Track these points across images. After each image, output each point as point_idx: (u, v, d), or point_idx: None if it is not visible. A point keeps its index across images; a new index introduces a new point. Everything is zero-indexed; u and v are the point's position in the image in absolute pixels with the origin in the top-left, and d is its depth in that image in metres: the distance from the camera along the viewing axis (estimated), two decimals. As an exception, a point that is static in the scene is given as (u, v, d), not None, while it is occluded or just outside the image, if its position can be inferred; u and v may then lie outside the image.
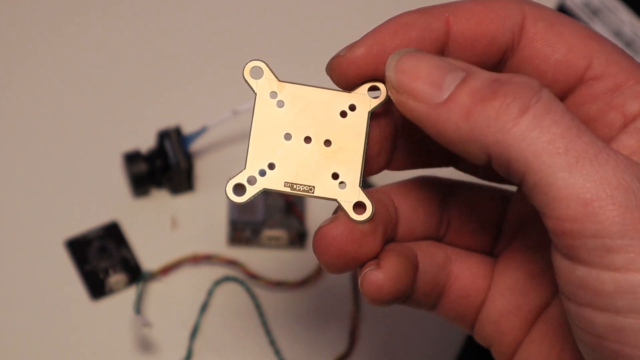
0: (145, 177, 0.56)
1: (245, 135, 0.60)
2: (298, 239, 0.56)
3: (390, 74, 0.32)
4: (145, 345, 0.53)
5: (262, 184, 0.35)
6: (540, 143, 0.29)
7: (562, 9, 0.61)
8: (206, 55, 0.64)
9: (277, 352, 0.53)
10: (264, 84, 0.35)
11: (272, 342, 0.53)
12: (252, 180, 0.35)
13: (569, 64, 0.33)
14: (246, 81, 0.36)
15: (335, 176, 0.35)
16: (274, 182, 0.35)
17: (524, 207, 0.37)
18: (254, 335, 0.54)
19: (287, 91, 0.35)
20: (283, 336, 0.54)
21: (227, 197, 0.35)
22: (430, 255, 0.37)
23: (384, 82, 0.34)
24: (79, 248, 0.56)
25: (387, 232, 0.35)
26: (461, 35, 0.34)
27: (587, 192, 0.28)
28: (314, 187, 0.35)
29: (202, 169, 0.59)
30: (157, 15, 0.66)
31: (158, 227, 0.57)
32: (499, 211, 0.38)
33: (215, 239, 0.56)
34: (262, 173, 0.35)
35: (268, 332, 0.53)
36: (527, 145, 0.29)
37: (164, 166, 0.56)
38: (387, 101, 0.35)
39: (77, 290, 0.55)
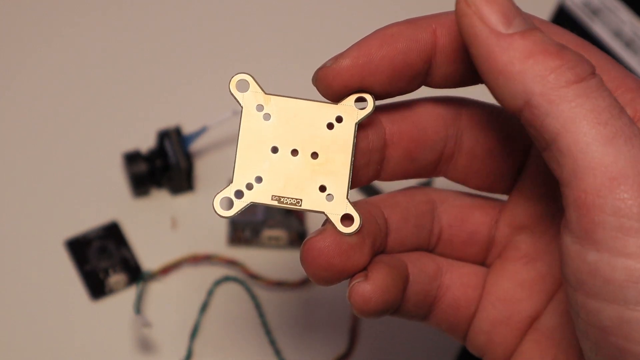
0: (145, 177, 0.56)
1: (245, 135, 0.60)
2: (298, 238, 0.56)
3: None
4: (145, 345, 0.53)
5: (249, 197, 0.35)
6: (583, 109, 0.29)
7: (562, 10, 0.61)
8: (206, 56, 0.64)
9: (277, 352, 0.53)
10: (250, 97, 0.35)
11: (272, 342, 0.53)
12: (239, 194, 0.35)
13: None
14: (232, 94, 0.35)
15: (322, 188, 0.35)
16: (262, 195, 0.35)
17: (516, 218, 0.37)
18: (254, 335, 0.54)
19: (274, 104, 0.35)
20: (283, 336, 0.54)
21: (215, 212, 0.34)
22: (420, 266, 0.37)
23: (370, 93, 0.34)
24: (79, 248, 0.56)
25: (375, 244, 0.35)
26: (448, 46, 0.33)
27: (617, 167, 0.28)
28: (301, 200, 0.35)
29: (202, 169, 0.59)
30: (157, 16, 0.66)
31: (158, 227, 0.57)
32: (490, 221, 0.38)
33: (215, 239, 0.56)
34: (250, 187, 0.35)
35: (268, 332, 0.53)
36: (571, 107, 0.29)
37: (164, 166, 0.56)
38: (374, 112, 0.35)
39: (77, 290, 0.55)
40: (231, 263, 0.55)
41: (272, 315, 0.54)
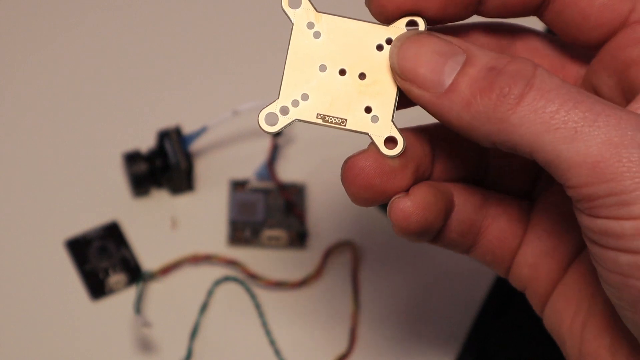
0: (145, 177, 0.56)
1: (246, 136, 0.60)
2: (298, 238, 0.56)
3: (393, 61, 0.33)
4: (145, 345, 0.53)
5: (294, 114, 0.34)
6: (538, 125, 0.30)
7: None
8: (206, 56, 0.64)
9: (277, 352, 0.53)
10: (302, 14, 0.35)
11: (272, 342, 0.53)
12: (284, 110, 0.34)
13: (613, 7, 0.34)
14: (284, 10, 0.35)
15: (368, 110, 0.34)
16: (307, 113, 0.34)
17: None
18: (254, 335, 0.54)
19: (325, 22, 0.35)
20: (283, 336, 0.54)
21: (260, 127, 0.34)
22: (466, 196, 0.37)
23: (422, 16, 0.34)
24: (79, 248, 0.56)
25: (419, 170, 0.35)
26: None
27: (592, 156, 0.30)
28: (346, 120, 0.35)
29: (202, 169, 0.59)
30: (157, 16, 0.66)
31: (158, 227, 0.57)
32: None
33: (215, 239, 0.56)
34: (295, 104, 0.34)
35: (268, 332, 0.53)
36: (526, 130, 0.30)
37: (164, 166, 0.56)
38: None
39: (77, 290, 0.55)
40: (231, 263, 0.55)
41: (272, 315, 0.54)
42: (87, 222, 0.57)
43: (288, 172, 0.59)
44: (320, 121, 0.35)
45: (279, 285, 0.55)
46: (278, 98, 0.34)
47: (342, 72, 0.35)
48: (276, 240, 0.56)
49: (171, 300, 0.54)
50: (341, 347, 0.53)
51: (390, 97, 0.35)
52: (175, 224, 0.57)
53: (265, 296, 0.55)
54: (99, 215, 0.57)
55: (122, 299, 0.54)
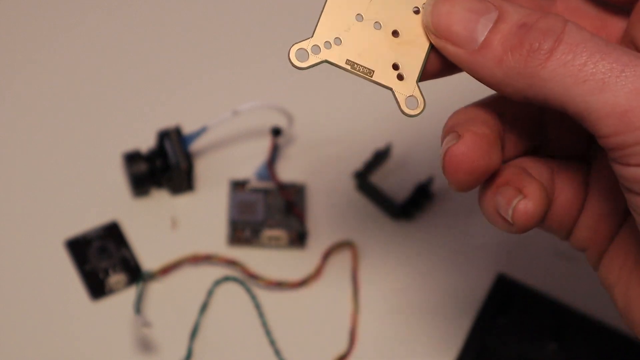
0: (145, 177, 0.56)
1: (246, 136, 0.60)
2: (298, 238, 0.56)
3: (427, 19, 0.34)
4: (145, 345, 0.53)
5: (325, 55, 0.35)
6: (567, 78, 0.31)
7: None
8: (206, 56, 0.64)
9: (277, 352, 0.53)
10: None
11: (272, 342, 0.53)
12: (316, 50, 0.35)
13: None
14: None
15: (395, 67, 0.35)
16: (337, 56, 0.35)
17: None
18: (254, 335, 0.54)
19: None
20: (283, 336, 0.54)
21: (290, 60, 0.35)
22: (539, 172, 0.38)
23: None
24: (79, 248, 0.56)
25: (502, 142, 0.37)
26: None
27: (620, 105, 0.31)
28: (373, 71, 0.35)
29: (202, 169, 0.59)
30: (157, 16, 0.66)
31: (158, 227, 0.57)
32: None
33: (215, 239, 0.56)
34: (328, 45, 0.35)
35: (268, 332, 0.53)
36: (556, 84, 0.31)
37: (164, 166, 0.56)
38: None
39: (77, 290, 0.55)
40: (231, 263, 0.55)
41: (272, 315, 0.54)
42: (87, 222, 0.57)
43: (288, 172, 0.59)
44: (348, 67, 0.35)
45: (279, 285, 0.55)
46: (312, 36, 0.35)
47: (377, 25, 0.35)
48: (276, 240, 0.56)
49: (171, 300, 0.54)
50: (341, 347, 0.53)
51: (419, 59, 0.35)
52: (175, 224, 0.57)
53: (265, 296, 0.55)
54: (99, 215, 0.57)
55: (122, 299, 0.54)
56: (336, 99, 0.63)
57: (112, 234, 0.56)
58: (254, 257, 0.56)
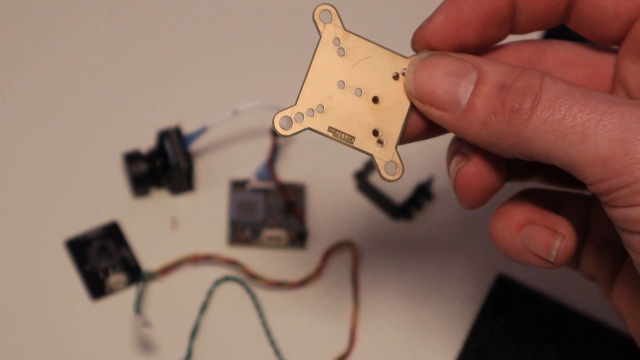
0: (145, 177, 0.56)
1: (246, 136, 0.60)
2: (298, 238, 0.56)
3: (409, 85, 0.35)
4: (145, 345, 0.53)
5: (308, 122, 0.36)
6: (549, 134, 0.32)
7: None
8: (206, 55, 0.64)
9: (277, 352, 0.53)
10: (330, 29, 0.37)
11: (272, 342, 0.53)
12: (299, 117, 0.36)
13: None
14: (314, 22, 0.37)
15: (375, 133, 0.37)
16: (319, 124, 0.36)
17: None
18: (254, 335, 0.54)
19: (350, 41, 0.37)
20: (283, 336, 0.54)
21: (273, 128, 0.36)
22: (544, 204, 0.39)
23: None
24: (79, 248, 0.56)
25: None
26: None
27: (601, 154, 0.32)
28: (354, 138, 0.37)
29: (202, 169, 0.59)
30: (157, 16, 0.66)
31: (158, 227, 0.57)
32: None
33: (215, 239, 0.56)
34: (311, 113, 0.36)
35: (268, 332, 0.53)
36: (540, 141, 0.33)
37: (164, 166, 0.56)
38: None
39: (77, 290, 0.55)
40: (231, 263, 0.55)
41: (272, 315, 0.54)
42: (87, 222, 0.57)
43: (288, 172, 0.59)
44: (330, 134, 0.37)
45: (279, 285, 0.55)
46: (295, 104, 0.36)
47: (359, 91, 0.37)
48: (276, 240, 0.56)
49: (171, 300, 0.54)
50: (341, 347, 0.53)
51: (398, 125, 0.37)
52: (175, 224, 0.57)
53: (265, 296, 0.55)
54: (99, 215, 0.57)
55: (122, 299, 0.54)
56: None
57: (112, 234, 0.56)
58: (254, 257, 0.56)
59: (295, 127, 0.36)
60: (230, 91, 0.63)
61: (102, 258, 0.55)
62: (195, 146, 0.58)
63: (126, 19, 0.66)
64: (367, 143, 0.37)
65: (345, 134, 0.37)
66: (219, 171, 0.59)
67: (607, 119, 0.32)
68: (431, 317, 0.55)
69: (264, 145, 0.59)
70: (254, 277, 0.55)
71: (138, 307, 0.53)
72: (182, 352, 0.53)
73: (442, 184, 0.59)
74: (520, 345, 0.53)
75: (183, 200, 0.58)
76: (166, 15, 0.66)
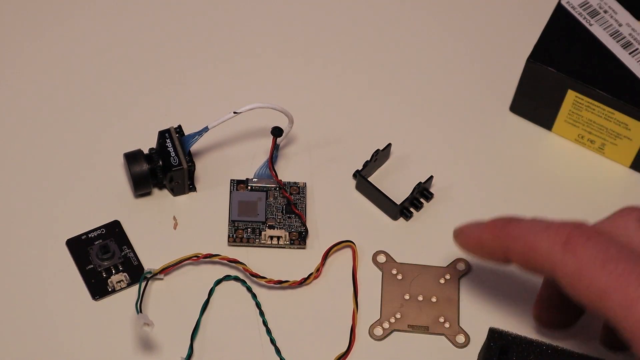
0: (146, 177, 0.57)
1: (247, 136, 0.61)
2: (298, 238, 0.56)
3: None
4: (147, 344, 0.53)
5: (394, 326, 0.53)
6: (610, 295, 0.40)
7: (560, 12, 0.61)
8: (206, 56, 0.64)
9: (277, 351, 0.53)
10: (388, 266, 0.55)
11: (273, 341, 0.53)
12: (386, 325, 0.53)
13: None
14: (375, 265, 0.55)
15: (440, 319, 0.53)
16: (402, 325, 0.53)
17: None
18: (254, 335, 0.54)
19: (403, 268, 0.55)
20: (283, 336, 0.54)
21: (370, 336, 0.53)
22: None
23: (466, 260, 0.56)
24: (81, 248, 0.56)
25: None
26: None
27: None
28: (428, 327, 0.53)
29: (203, 168, 0.59)
30: (157, 16, 0.66)
31: (159, 226, 0.57)
32: None
33: (216, 239, 0.57)
34: (392, 320, 0.53)
35: (269, 331, 0.54)
36: (600, 292, 0.41)
37: (165, 166, 0.57)
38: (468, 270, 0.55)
39: (79, 289, 0.55)
40: (232, 262, 0.55)
41: (273, 315, 0.54)
42: (89, 221, 0.57)
43: (288, 172, 0.59)
44: (410, 329, 0.53)
45: (280, 284, 0.55)
46: (380, 317, 0.53)
47: (420, 297, 0.54)
48: (277, 239, 0.56)
49: (173, 299, 0.55)
50: (341, 346, 0.54)
51: (454, 311, 0.54)
52: (177, 223, 0.57)
53: (266, 295, 0.55)
54: (101, 215, 0.57)
55: (124, 298, 0.55)
56: (336, 99, 0.63)
57: (113, 234, 0.56)
58: (254, 257, 0.56)
59: (385, 332, 0.53)
60: (231, 91, 0.63)
61: (104, 258, 0.55)
62: (196, 146, 0.58)
63: (127, 20, 0.66)
64: (438, 328, 0.53)
65: (420, 326, 0.53)
66: (220, 171, 0.59)
67: None
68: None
69: (265, 145, 0.59)
70: (254, 276, 0.55)
71: (139, 306, 0.53)
72: (184, 351, 0.53)
73: (442, 184, 0.59)
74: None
75: (184, 200, 0.58)
76: (167, 16, 0.66)
